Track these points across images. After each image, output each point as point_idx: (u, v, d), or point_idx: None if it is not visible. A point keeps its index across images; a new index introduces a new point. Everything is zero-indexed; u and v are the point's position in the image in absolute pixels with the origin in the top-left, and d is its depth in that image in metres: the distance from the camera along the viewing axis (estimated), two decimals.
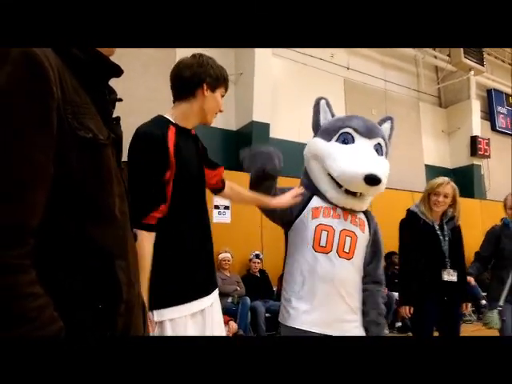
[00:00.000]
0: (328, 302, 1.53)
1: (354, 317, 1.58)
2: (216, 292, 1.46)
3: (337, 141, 1.65)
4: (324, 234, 1.56)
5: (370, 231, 1.71)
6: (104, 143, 0.69)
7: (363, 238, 1.66)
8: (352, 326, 1.57)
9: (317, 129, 1.78)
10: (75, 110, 0.65)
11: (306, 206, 1.62)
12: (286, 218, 1.65)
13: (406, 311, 2.42)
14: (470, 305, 2.58)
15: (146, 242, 1.18)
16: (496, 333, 2.80)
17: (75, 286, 0.63)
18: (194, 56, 1.40)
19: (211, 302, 1.39)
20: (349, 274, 1.58)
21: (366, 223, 1.71)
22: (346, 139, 1.64)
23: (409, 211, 2.56)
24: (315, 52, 6.87)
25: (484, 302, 4.03)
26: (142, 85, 5.01)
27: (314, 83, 6.32)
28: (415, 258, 2.45)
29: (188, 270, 1.31)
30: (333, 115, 1.81)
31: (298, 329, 1.51)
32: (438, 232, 2.45)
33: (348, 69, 7.36)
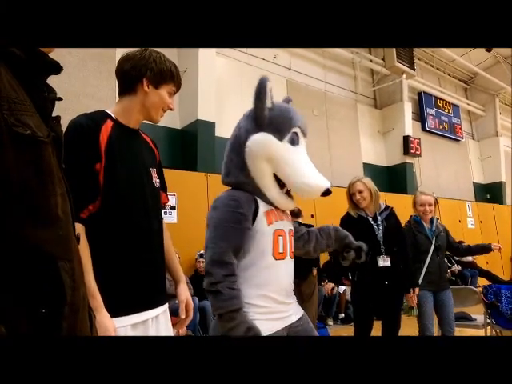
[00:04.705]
0: (280, 303, 1.50)
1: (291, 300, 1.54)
2: (165, 306, 1.39)
3: (287, 141, 1.46)
4: (280, 239, 1.47)
5: None
6: (44, 141, 0.67)
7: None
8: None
9: (261, 119, 1.46)
10: (11, 106, 0.62)
11: (257, 211, 1.44)
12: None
13: (328, 287, 2.90)
14: (417, 289, 2.79)
15: (82, 234, 1.14)
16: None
17: (16, 290, 0.60)
18: (138, 49, 1.34)
19: (156, 314, 1.33)
20: (292, 272, 1.54)
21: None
22: (294, 140, 1.47)
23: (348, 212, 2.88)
24: (258, 52, 6.96)
25: None
26: (79, 80, 4.78)
27: None
28: None
29: (122, 281, 1.23)
30: (273, 102, 1.51)
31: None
32: (372, 223, 2.74)
33: (290, 70, 7.54)
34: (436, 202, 3.13)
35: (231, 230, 1.37)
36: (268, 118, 1.45)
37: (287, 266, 1.49)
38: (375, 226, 2.74)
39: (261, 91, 1.45)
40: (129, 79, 1.33)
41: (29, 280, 0.61)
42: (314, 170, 1.48)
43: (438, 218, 3.17)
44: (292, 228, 1.58)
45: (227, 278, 1.32)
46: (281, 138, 1.44)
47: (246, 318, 1.31)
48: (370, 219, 2.77)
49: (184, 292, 1.50)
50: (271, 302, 1.42)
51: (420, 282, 2.92)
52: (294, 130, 1.46)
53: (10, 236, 0.61)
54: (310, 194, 1.46)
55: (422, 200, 3.10)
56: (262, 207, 1.45)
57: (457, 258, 7.24)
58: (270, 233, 1.44)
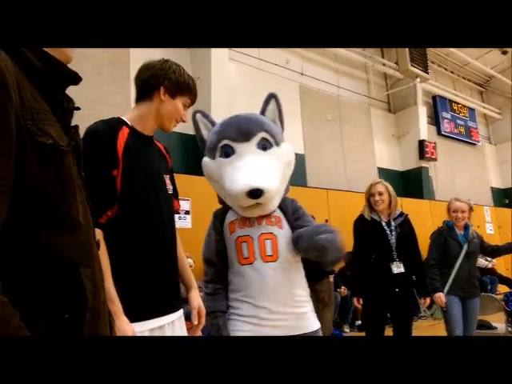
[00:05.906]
0: (262, 307, 1.50)
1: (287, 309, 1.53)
2: (180, 311, 1.40)
3: (220, 156, 1.58)
4: (244, 245, 1.55)
5: (288, 221, 1.62)
6: (64, 150, 0.69)
7: (283, 233, 1.59)
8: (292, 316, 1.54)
9: (203, 146, 1.68)
10: (34, 116, 0.64)
11: (223, 223, 1.62)
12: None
13: (355, 301, 2.81)
14: (428, 299, 2.74)
15: (101, 240, 1.14)
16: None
17: (39, 296, 0.61)
18: (159, 59, 1.38)
19: (172, 320, 1.33)
20: (276, 274, 1.53)
21: (283, 216, 1.63)
22: (227, 151, 1.57)
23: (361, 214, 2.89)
24: (271, 58, 6.98)
25: None
26: (94, 87, 4.85)
27: (271, 88, 6.37)
28: (365, 254, 2.75)
29: (139, 287, 1.24)
30: (213, 124, 1.68)
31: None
32: (385, 228, 2.72)
33: (302, 75, 7.54)
34: (471, 209, 3.11)
35: (205, 242, 1.67)
36: (206, 142, 1.65)
37: (259, 270, 1.51)
38: (388, 232, 2.72)
39: (194, 126, 1.68)
40: (147, 86, 1.36)
41: (51, 286, 0.63)
42: (236, 175, 1.51)
43: (472, 225, 3.15)
44: (268, 231, 1.57)
45: (205, 283, 1.60)
46: (213, 156, 1.60)
47: (215, 321, 1.51)
48: (384, 223, 2.75)
49: (196, 298, 1.52)
50: (248, 306, 1.52)
51: (448, 287, 2.91)
52: (222, 143, 1.59)
53: (32, 243, 0.62)
54: (232, 200, 1.56)
55: (455, 206, 3.10)
56: (230, 218, 1.61)
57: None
58: (232, 240, 1.58)
